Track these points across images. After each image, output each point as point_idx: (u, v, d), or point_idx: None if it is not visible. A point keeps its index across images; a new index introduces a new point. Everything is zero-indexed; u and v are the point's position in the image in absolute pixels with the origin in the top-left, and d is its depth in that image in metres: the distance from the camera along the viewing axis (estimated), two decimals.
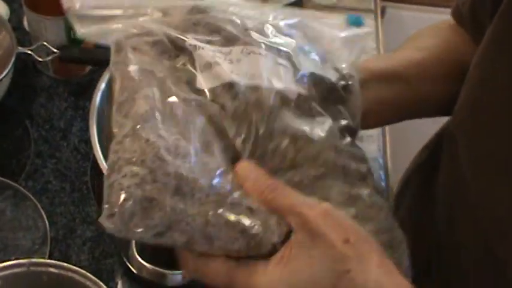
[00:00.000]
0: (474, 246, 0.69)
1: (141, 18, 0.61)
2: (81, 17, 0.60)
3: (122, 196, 0.51)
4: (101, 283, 0.75)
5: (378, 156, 1.12)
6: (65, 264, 0.77)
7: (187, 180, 0.53)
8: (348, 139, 0.62)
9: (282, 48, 0.62)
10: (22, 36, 1.14)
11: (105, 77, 0.87)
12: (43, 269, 0.77)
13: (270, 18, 0.64)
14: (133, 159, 0.52)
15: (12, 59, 1.00)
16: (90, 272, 0.76)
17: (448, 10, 0.85)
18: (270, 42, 0.61)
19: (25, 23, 1.17)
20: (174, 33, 0.59)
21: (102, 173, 0.84)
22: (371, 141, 1.13)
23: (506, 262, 0.63)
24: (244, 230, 0.53)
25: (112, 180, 0.52)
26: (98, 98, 0.93)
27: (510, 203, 0.62)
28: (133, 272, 0.84)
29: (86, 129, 0.93)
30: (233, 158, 0.57)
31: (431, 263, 0.78)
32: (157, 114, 0.55)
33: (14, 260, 0.77)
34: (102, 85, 0.89)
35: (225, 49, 0.59)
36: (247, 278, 0.53)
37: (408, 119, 0.84)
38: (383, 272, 0.51)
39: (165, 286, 0.83)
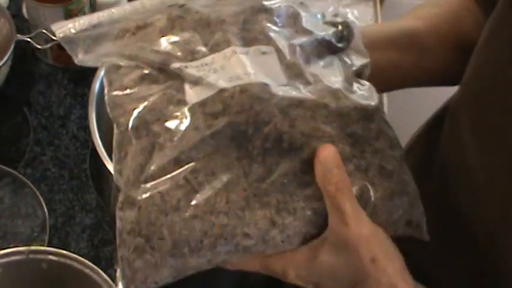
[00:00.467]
0: (471, 225, 0.69)
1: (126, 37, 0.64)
2: (75, 41, 0.64)
3: (130, 270, 0.58)
4: (100, 270, 0.75)
5: None
6: (64, 251, 0.77)
7: (184, 238, 0.57)
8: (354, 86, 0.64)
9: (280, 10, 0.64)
10: (21, 24, 1.14)
11: None
12: (42, 256, 0.77)
13: None
14: (131, 228, 0.57)
15: (11, 47, 1.00)
16: (89, 260, 0.76)
17: None
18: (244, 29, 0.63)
19: (24, 11, 1.16)
20: (157, 60, 0.61)
21: (101, 161, 0.85)
22: None
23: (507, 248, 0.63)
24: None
25: (121, 254, 0.58)
26: (97, 85, 0.93)
27: None
28: None
29: (85, 116, 0.93)
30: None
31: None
32: (148, 171, 0.58)
33: (13, 247, 0.77)
34: (101, 72, 0.89)
35: (207, 59, 0.60)
36: (280, 263, 0.60)
37: (403, 87, 0.84)
38: None
39: None
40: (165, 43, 0.62)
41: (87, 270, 0.76)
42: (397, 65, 0.79)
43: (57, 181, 1.01)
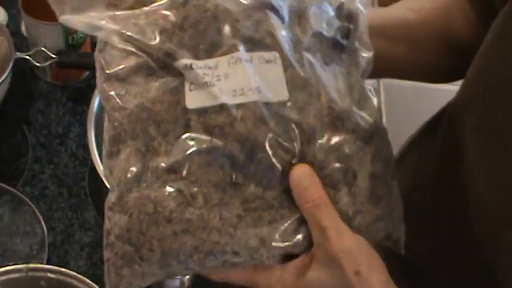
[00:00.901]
0: (469, 229, 0.69)
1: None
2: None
3: (116, 276, 0.57)
4: None
5: None
6: (63, 269, 0.77)
7: (174, 252, 0.57)
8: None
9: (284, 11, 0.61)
10: (20, 42, 1.14)
11: None
12: (41, 274, 0.77)
13: None
14: (120, 234, 0.56)
15: (10, 65, 1.00)
16: (88, 277, 0.76)
17: None
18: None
19: (23, 28, 1.17)
20: (160, 52, 0.57)
21: (100, 179, 0.85)
22: None
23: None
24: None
25: (107, 256, 0.57)
26: (95, 103, 0.93)
27: None
28: None
29: (84, 134, 0.94)
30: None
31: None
32: (140, 174, 0.57)
33: (11, 265, 0.77)
34: None
35: (212, 62, 0.58)
36: (268, 280, 0.60)
37: (389, 77, 0.85)
38: None
39: None
40: (167, 33, 0.58)
41: None
42: (386, 54, 0.80)
43: (56, 199, 1.01)
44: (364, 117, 0.61)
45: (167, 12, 0.58)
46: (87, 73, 1.14)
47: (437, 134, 0.76)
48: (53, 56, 1.05)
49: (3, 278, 0.76)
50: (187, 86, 0.57)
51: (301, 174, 0.58)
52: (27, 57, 1.05)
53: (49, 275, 0.76)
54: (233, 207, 0.57)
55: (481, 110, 0.67)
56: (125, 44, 0.58)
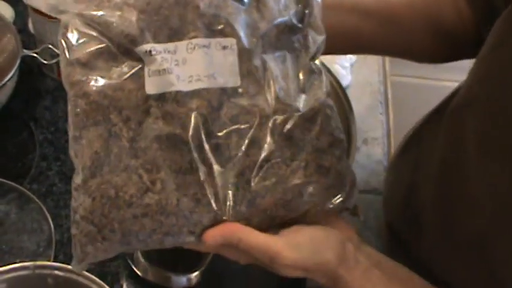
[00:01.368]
0: (468, 227, 0.69)
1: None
2: None
3: (82, 252, 0.62)
4: (106, 286, 0.75)
5: (383, 159, 1.12)
6: (70, 266, 0.76)
7: (134, 233, 0.60)
8: None
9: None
10: (27, 39, 1.14)
11: None
12: (48, 271, 0.77)
13: None
14: (85, 215, 0.60)
15: (17, 62, 1.00)
16: (95, 275, 0.76)
17: None
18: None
19: (30, 26, 1.17)
20: (123, 38, 0.59)
21: None
22: (376, 143, 1.13)
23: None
24: None
25: (73, 232, 0.62)
26: None
27: None
28: (138, 274, 0.84)
29: None
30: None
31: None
32: (103, 159, 0.59)
33: (18, 262, 0.77)
34: None
35: (171, 46, 0.59)
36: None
37: (361, 53, 0.87)
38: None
39: None
40: (132, 17, 0.59)
41: (93, 286, 0.75)
42: (356, 29, 0.81)
43: (63, 196, 1.01)
44: (308, 100, 0.65)
45: None
46: None
47: (439, 130, 0.76)
48: None
49: (10, 275, 0.76)
50: (146, 71, 0.59)
51: (215, 239, 0.61)
52: (35, 54, 1.05)
53: (56, 272, 0.76)
54: (191, 192, 0.59)
55: (483, 116, 0.67)
56: (87, 28, 0.59)
